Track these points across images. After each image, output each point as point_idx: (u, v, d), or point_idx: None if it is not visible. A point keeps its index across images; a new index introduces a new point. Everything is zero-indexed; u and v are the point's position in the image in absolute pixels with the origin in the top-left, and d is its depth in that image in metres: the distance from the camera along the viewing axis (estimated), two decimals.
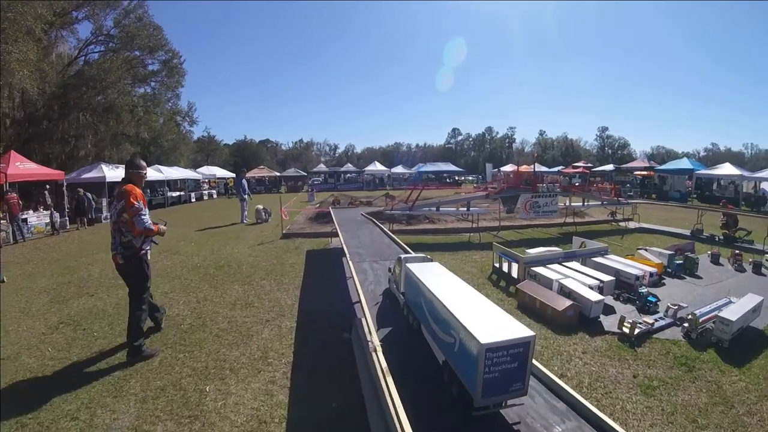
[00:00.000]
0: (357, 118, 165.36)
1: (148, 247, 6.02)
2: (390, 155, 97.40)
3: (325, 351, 5.95)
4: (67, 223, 21.14)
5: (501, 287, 9.19)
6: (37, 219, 18.93)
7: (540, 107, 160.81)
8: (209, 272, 10.53)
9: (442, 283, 4.17)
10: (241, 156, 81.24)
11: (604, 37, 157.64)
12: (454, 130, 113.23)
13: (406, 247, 8.17)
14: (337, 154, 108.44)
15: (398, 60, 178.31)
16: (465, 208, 15.37)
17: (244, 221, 20.41)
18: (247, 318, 7.30)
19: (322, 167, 66.71)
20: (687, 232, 16.05)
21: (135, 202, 5.61)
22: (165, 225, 6.41)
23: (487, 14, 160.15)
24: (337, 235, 10.26)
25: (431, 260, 5.33)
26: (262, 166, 59.59)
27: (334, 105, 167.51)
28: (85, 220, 21.34)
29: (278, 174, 57.74)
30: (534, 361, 3.30)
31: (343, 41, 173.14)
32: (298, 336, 6.52)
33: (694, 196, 33.42)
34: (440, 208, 15.15)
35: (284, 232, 16.04)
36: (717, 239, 14.88)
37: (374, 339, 3.60)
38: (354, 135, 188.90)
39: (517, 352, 2.91)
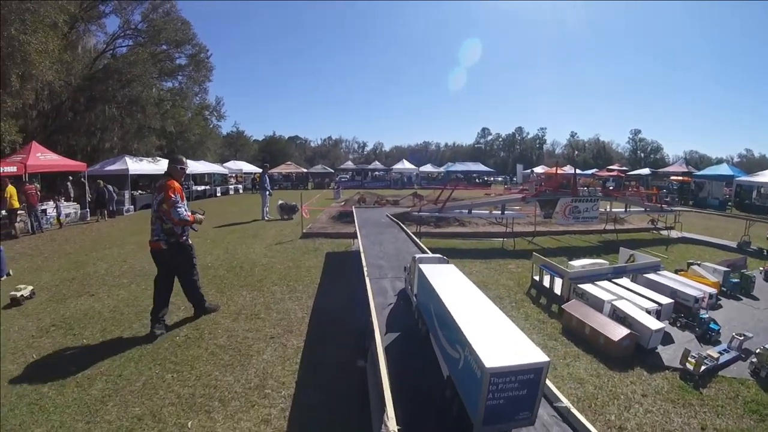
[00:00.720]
0: (386, 117, 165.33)
1: (187, 233, 6.68)
2: (418, 154, 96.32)
3: (335, 382, 5.01)
4: (88, 215, 20.85)
5: (542, 305, 8.10)
6: (54, 210, 18.61)
7: (571, 109, 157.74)
8: (219, 274, 9.73)
9: (453, 289, 3.70)
10: (270, 152, 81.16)
11: (635, 38, 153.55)
12: (483, 129, 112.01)
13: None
14: (365, 152, 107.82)
15: (428, 60, 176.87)
16: (499, 212, 14.22)
17: (266, 218, 19.65)
18: (250, 333, 6.40)
19: (349, 164, 66.04)
20: (733, 244, 14.85)
21: (173, 195, 6.16)
22: (203, 214, 7.02)
23: (516, 14, 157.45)
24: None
25: (447, 261, 4.84)
26: (289, 162, 59.43)
27: (363, 104, 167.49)
28: (106, 212, 21.05)
29: (305, 170, 57.29)
30: (548, 383, 2.92)
31: (371, 41, 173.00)
32: (305, 360, 5.58)
33: (731, 204, 31.78)
34: (472, 211, 14.04)
35: (305, 231, 15.20)
36: (766, 253, 13.69)
37: (391, 423, 2.60)
38: (383, 133, 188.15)
39: (528, 378, 2.47)
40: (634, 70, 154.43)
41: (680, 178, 38.78)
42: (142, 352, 5.74)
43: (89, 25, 30.61)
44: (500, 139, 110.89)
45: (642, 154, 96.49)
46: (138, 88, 30.61)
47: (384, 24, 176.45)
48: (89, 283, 9.13)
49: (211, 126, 46.99)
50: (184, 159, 6.79)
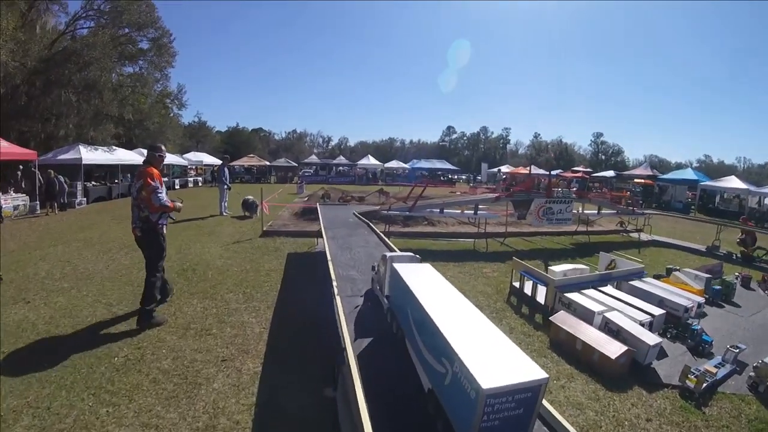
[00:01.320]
0: (351, 111, 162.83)
1: (164, 222, 6.64)
2: (384, 150, 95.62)
3: (299, 420, 4.24)
4: (38, 208, 19.29)
5: (525, 315, 7.50)
6: (4, 202, 17.10)
7: (535, 110, 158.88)
8: (168, 278, 8.69)
9: (433, 291, 3.39)
10: (233, 143, 79.15)
11: (599, 43, 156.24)
12: (448, 127, 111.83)
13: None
14: (330, 147, 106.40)
15: (393, 56, 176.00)
16: (472, 211, 13.62)
17: (224, 213, 18.57)
18: (199, 354, 5.49)
19: (314, 158, 64.77)
20: (702, 248, 14.94)
21: (152, 182, 6.19)
22: (181, 203, 7.01)
23: (485, 12, 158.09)
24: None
25: (420, 259, 4.59)
26: (252, 155, 57.61)
27: (328, 97, 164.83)
28: (56, 204, 19.52)
29: (268, 163, 55.80)
30: (544, 402, 2.59)
31: (338, 34, 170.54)
32: (263, 389, 4.75)
33: (694, 207, 32.54)
34: (444, 210, 13.40)
35: (265, 229, 14.14)
36: (734, 257, 13.95)
37: None
38: (348, 128, 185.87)
39: (525, 397, 2.26)
40: (596, 75, 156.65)
41: (643, 180, 39.31)
42: (76, 377, 4.85)
43: (51, 4, 29.12)
44: (465, 138, 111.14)
45: (603, 157, 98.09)
46: (96, 72, 28.98)
47: (352, 18, 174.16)
48: (27, 287, 8.03)
49: (172, 115, 45.32)
50: (163, 147, 6.83)
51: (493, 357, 2.42)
